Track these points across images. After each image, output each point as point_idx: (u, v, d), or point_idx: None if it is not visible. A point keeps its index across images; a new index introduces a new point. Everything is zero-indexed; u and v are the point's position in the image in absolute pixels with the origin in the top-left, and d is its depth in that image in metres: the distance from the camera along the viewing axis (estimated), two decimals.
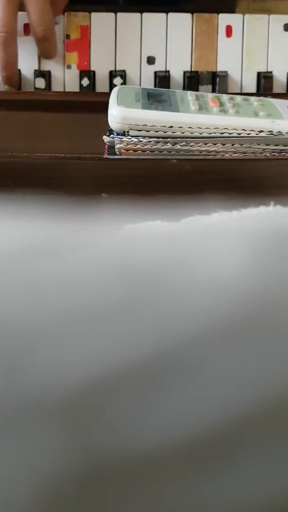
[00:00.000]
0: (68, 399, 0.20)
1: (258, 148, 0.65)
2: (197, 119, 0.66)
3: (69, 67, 0.82)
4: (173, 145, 0.64)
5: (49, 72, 0.83)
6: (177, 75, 0.83)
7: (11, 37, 0.78)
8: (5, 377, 0.21)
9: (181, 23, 0.83)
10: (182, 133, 0.65)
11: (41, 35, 0.79)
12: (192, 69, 0.84)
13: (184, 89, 0.83)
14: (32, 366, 0.21)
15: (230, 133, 0.65)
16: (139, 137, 0.65)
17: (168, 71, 0.83)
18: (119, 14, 0.83)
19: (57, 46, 0.82)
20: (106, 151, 0.65)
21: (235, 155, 0.65)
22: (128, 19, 0.83)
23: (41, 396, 0.20)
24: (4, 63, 0.79)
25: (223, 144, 0.65)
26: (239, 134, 0.65)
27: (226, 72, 0.84)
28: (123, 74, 0.83)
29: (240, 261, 0.25)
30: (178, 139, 0.65)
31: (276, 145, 0.65)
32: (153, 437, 0.20)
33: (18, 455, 0.20)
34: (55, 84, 0.83)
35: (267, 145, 0.65)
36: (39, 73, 0.83)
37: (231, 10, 0.85)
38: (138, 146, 0.64)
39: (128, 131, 0.65)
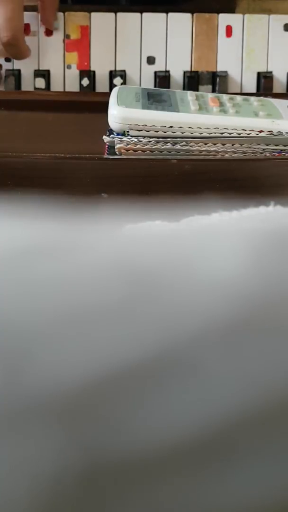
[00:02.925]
0: (68, 399, 0.20)
1: (258, 148, 0.65)
2: (197, 119, 0.66)
3: (69, 67, 0.82)
4: (173, 145, 0.64)
5: (49, 72, 0.83)
6: (177, 75, 0.84)
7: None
8: (4, 378, 0.21)
9: (181, 23, 0.83)
10: (182, 133, 0.65)
11: (5, 41, 0.78)
12: (192, 69, 0.84)
13: (184, 89, 0.83)
14: (32, 367, 0.21)
15: (230, 133, 0.65)
16: (139, 137, 0.65)
17: (168, 71, 0.83)
18: (119, 14, 0.83)
19: (28, 47, 0.81)
20: (106, 151, 0.65)
21: (235, 155, 0.65)
22: (128, 19, 0.83)
23: (41, 396, 0.20)
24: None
25: (223, 144, 0.65)
26: (239, 134, 0.65)
27: (226, 72, 0.84)
28: (123, 74, 0.83)
29: (240, 261, 0.25)
30: (178, 139, 0.65)
31: (276, 145, 0.65)
32: (153, 437, 0.20)
33: (18, 456, 0.20)
34: (55, 84, 0.83)
35: (267, 145, 0.65)
36: (39, 73, 0.83)
37: (231, 10, 0.85)
38: (138, 146, 0.64)
39: (128, 131, 0.65)
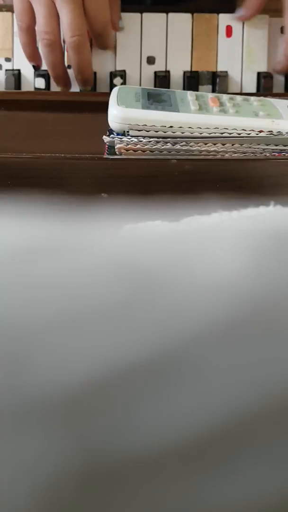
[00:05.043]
0: (68, 400, 0.20)
1: (258, 148, 0.65)
2: (197, 119, 0.66)
3: (69, 67, 0.82)
4: (173, 145, 0.64)
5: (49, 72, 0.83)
6: (177, 75, 0.83)
7: (85, 40, 0.78)
8: (5, 379, 0.21)
9: (181, 23, 0.83)
10: (182, 133, 0.65)
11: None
12: (192, 69, 0.84)
13: (184, 89, 0.82)
14: (32, 368, 0.21)
15: (230, 133, 0.65)
16: (139, 137, 0.64)
17: (168, 71, 0.83)
18: None
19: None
20: (106, 151, 0.65)
21: (235, 155, 0.65)
22: (128, 19, 0.83)
23: (41, 397, 0.20)
24: (80, 66, 0.79)
25: (223, 144, 0.65)
26: (239, 134, 0.65)
27: (226, 72, 0.84)
28: (123, 74, 0.83)
29: (240, 261, 0.25)
30: (178, 139, 0.65)
31: (276, 145, 0.65)
32: (153, 437, 0.20)
33: (19, 456, 0.20)
34: (55, 84, 0.83)
35: (267, 145, 0.65)
36: (39, 73, 0.83)
37: (231, 10, 0.85)
38: (138, 146, 0.64)
39: (128, 131, 0.65)
